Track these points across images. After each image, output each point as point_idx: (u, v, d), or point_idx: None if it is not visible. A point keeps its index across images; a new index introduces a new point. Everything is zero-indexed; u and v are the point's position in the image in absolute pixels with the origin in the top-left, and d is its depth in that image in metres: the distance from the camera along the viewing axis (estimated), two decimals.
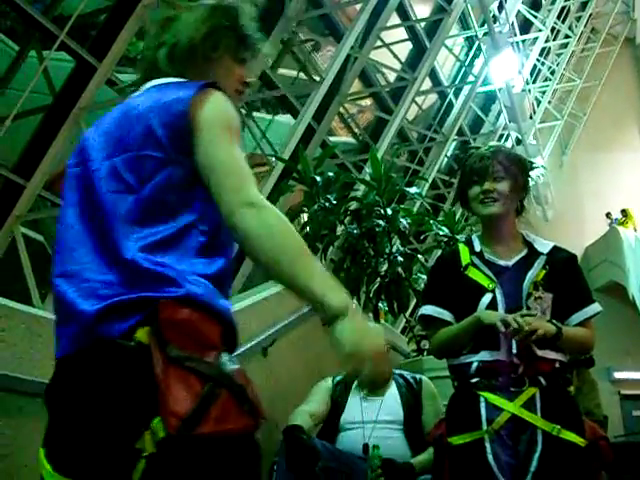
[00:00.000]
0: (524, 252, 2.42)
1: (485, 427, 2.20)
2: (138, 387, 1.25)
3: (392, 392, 3.50)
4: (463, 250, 2.46)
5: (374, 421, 3.36)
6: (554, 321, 2.24)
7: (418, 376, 3.61)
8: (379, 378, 1.06)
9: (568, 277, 2.39)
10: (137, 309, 1.29)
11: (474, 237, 2.52)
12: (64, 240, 1.42)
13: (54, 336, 1.41)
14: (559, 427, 2.18)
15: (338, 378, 3.61)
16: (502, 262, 2.39)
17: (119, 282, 1.32)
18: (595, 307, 2.38)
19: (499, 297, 2.31)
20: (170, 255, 1.34)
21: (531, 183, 2.54)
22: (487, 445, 2.17)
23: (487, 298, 2.31)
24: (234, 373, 1.32)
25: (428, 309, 2.43)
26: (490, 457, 2.15)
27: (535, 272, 2.35)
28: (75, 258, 1.38)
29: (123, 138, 1.44)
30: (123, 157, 1.42)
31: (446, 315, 2.39)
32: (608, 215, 18.31)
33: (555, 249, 2.44)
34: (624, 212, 18.10)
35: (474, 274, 2.37)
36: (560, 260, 2.41)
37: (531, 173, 2.53)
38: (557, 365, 2.27)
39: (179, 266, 1.33)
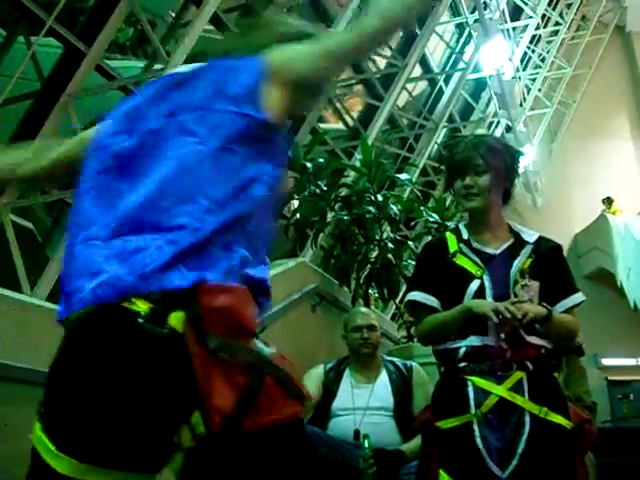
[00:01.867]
0: (511, 241, 2.44)
1: (473, 410, 2.22)
2: (174, 378, 1.15)
3: (383, 379, 3.52)
4: (450, 238, 2.48)
5: (365, 408, 3.38)
6: (544, 304, 2.26)
7: (409, 363, 3.63)
8: None
9: (553, 266, 2.41)
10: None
11: (461, 226, 2.54)
12: (86, 207, 1.30)
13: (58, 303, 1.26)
14: (546, 409, 2.21)
15: (330, 365, 3.63)
16: (489, 250, 2.41)
17: (163, 248, 1.21)
18: (579, 296, 2.40)
19: (487, 284, 2.33)
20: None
21: (520, 170, 2.54)
22: (475, 428, 2.19)
23: (475, 285, 2.33)
24: (274, 356, 1.24)
25: (415, 295, 2.44)
26: (478, 440, 2.17)
27: (522, 260, 2.37)
28: (103, 222, 1.26)
29: (188, 99, 1.39)
30: (192, 115, 1.36)
31: (433, 301, 2.40)
32: (604, 201, 18.11)
33: (541, 239, 2.46)
34: (609, 200, 17.98)
35: (462, 261, 2.38)
36: (546, 249, 2.43)
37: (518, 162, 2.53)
38: (543, 351, 2.30)
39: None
